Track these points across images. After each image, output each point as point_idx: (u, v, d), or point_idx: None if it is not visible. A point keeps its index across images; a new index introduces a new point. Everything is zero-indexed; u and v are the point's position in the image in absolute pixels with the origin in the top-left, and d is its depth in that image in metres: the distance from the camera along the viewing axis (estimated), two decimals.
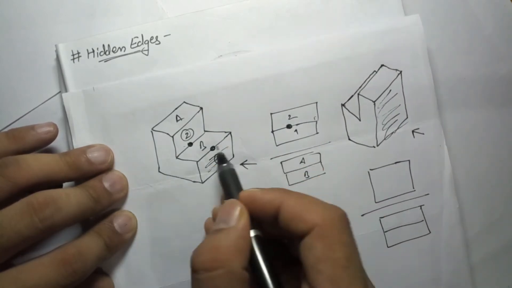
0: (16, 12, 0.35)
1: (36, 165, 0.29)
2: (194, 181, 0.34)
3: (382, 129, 0.35)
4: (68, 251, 0.28)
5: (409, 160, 0.35)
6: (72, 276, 0.28)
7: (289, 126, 0.34)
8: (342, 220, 0.24)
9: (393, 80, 0.35)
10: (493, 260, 0.37)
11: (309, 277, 0.23)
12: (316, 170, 0.34)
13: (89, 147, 0.32)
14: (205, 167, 0.34)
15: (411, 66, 0.35)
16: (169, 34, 0.34)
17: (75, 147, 0.32)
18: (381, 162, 0.35)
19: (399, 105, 0.35)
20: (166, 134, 0.33)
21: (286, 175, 0.34)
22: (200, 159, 0.34)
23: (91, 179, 0.31)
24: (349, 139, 0.35)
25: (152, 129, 0.33)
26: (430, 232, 0.35)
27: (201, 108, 0.33)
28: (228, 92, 0.33)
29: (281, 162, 0.34)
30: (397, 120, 0.35)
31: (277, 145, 0.34)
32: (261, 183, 0.34)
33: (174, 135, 0.33)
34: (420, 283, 0.35)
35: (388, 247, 0.35)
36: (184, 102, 0.33)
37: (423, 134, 0.35)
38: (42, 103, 0.34)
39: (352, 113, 0.35)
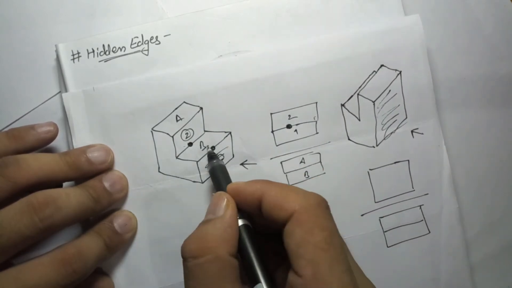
0: (16, 12, 0.35)
1: (36, 164, 0.29)
2: (194, 181, 0.34)
3: (382, 129, 0.35)
4: (68, 251, 0.28)
5: (408, 160, 0.35)
6: (72, 276, 0.28)
7: (289, 126, 0.34)
8: (320, 206, 0.25)
9: (393, 80, 0.35)
10: (493, 260, 0.37)
11: (292, 263, 0.23)
12: (316, 170, 0.34)
13: (89, 147, 0.32)
14: (205, 167, 0.34)
15: (411, 66, 0.35)
16: (169, 34, 0.34)
17: (75, 147, 0.32)
18: (381, 162, 0.35)
19: (399, 105, 0.35)
20: (166, 134, 0.33)
21: (286, 175, 0.34)
22: (200, 159, 0.34)
23: (91, 179, 0.31)
24: (349, 139, 0.35)
25: (152, 129, 0.33)
26: (429, 232, 0.35)
27: (201, 108, 0.33)
28: (228, 92, 0.33)
29: (281, 162, 0.34)
30: (396, 120, 0.35)
31: (277, 145, 0.34)
32: None
33: (174, 135, 0.33)
34: (420, 283, 0.35)
35: (388, 247, 0.35)
36: (184, 102, 0.33)
37: (422, 134, 0.35)
38: (42, 103, 0.34)
39: (351, 113, 0.35)
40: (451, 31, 0.37)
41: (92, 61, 0.33)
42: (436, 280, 0.35)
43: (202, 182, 0.34)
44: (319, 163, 0.34)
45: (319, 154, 0.34)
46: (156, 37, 0.34)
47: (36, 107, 0.34)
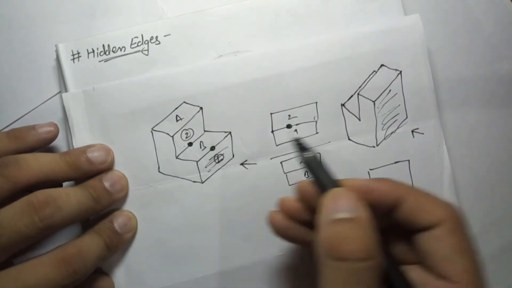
0: (16, 12, 0.35)
1: (36, 164, 0.29)
2: (194, 181, 0.34)
3: (382, 129, 0.35)
4: (68, 251, 0.28)
5: (408, 160, 0.35)
6: (72, 275, 0.28)
7: (289, 126, 0.34)
8: (464, 217, 0.26)
9: (393, 80, 0.35)
10: (493, 260, 0.37)
11: (440, 267, 0.24)
12: None
13: (89, 146, 0.32)
14: (205, 167, 0.34)
15: (411, 66, 0.35)
16: (169, 34, 0.34)
17: (75, 147, 0.32)
18: (381, 162, 0.35)
19: (399, 105, 0.35)
20: (166, 134, 0.33)
21: (286, 175, 0.34)
22: (200, 159, 0.34)
23: (91, 179, 0.31)
24: (349, 139, 0.35)
25: (152, 129, 0.33)
26: None
27: (201, 108, 0.33)
28: (228, 92, 0.33)
29: (281, 162, 0.34)
30: (396, 120, 0.35)
31: (277, 145, 0.34)
32: (261, 183, 0.34)
33: (174, 135, 0.33)
34: None
35: None
36: (184, 102, 0.33)
37: (422, 134, 0.35)
38: (42, 103, 0.34)
39: (352, 113, 0.35)
40: (451, 31, 0.37)
41: (92, 61, 0.33)
42: None
43: (202, 182, 0.34)
44: None
45: (319, 154, 0.34)
46: (156, 37, 0.34)
47: (36, 107, 0.34)
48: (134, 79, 0.33)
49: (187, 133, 0.33)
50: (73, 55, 0.33)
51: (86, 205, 0.30)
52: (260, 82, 0.34)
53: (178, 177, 0.33)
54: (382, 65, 0.34)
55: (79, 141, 0.33)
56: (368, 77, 0.34)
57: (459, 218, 0.25)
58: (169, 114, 0.33)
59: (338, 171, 0.34)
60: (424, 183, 0.35)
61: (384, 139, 0.35)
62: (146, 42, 0.34)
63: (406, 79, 0.35)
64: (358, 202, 0.24)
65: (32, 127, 0.32)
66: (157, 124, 0.33)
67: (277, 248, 0.34)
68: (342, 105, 0.34)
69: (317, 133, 0.34)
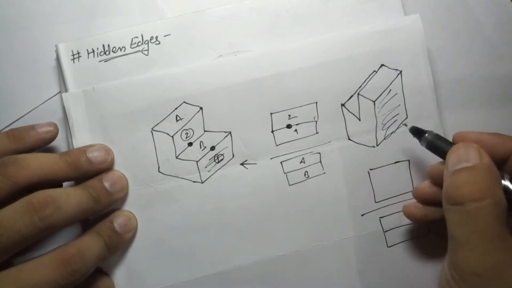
0: (16, 12, 0.35)
1: (36, 164, 0.29)
2: (194, 181, 0.34)
3: (382, 129, 0.35)
4: (68, 251, 0.28)
5: (408, 160, 0.35)
6: (72, 275, 0.28)
7: (289, 126, 0.34)
8: None
9: (393, 80, 0.35)
10: None
11: None
12: (316, 170, 0.34)
13: (89, 146, 0.32)
14: (205, 167, 0.34)
15: (411, 66, 0.35)
16: (169, 34, 0.34)
17: (75, 147, 0.32)
18: (381, 162, 0.35)
19: (399, 105, 0.35)
20: (166, 134, 0.33)
21: (286, 175, 0.34)
22: (200, 159, 0.34)
23: (91, 179, 0.32)
24: (349, 139, 0.35)
25: (152, 129, 0.33)
26: (429, 232, 0.35)
27: (201, 108, 0.33)
28: (228, 92, 0.33)
29: (281, 162, 0.34)
30: (396, 120, 0.35)
31: (277, 145, 0.34)
32: (261, 183, 0.34)
33: (174, 135, 0.33)
34: (420, 283, 0.35)
35: (388, 247, 0.35)
36: (184, 102, 0.33)
37: None
38: (42, 103, 0.34)
39: (352, 113, 0.35)
40: (451, 31, 0.37)
41: (92, 61, 0.33)
42: (437, 280, 0.35)
43: (202, 182, 0.34)
44: (319, 163, 0.34)
45: (319, 154, 0.34)
46: (156, 37, 0.34)
47: (36, 107, 0.34)
48: (134, 79, 0.33)
49: (187, 133, 0.33)
50: (73, 55, 0.33)
51: (86, 205, 0.30)
52: (260, 82, 0.34)
53: (178, 177, 0.33)
54: (382, 65, 0.34)
55: (79, 141, 0.33)
56: (368, 77, 0.34)
57: None
58: (169, 114, 0.33)
59: (338, 171, 0.35)
60: None
61: (384, 139, 0.35)
62: (146, 42, 0.34)
63: (406, 79, 0.35)
64: (476, 151, 0.26)
65: (32, 127, 0.32)
66: (157, 124, 0.33)
67: (277, 248, 0.34)
68: (342, 105, 0.34)
69: (317, 133, 0.34)
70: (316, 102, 0.34)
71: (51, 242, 0.32)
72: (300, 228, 0.34)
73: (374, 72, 0.34)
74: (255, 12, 0.34)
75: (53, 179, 0.30)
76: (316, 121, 0.34)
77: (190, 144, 0.34)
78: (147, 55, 0.34)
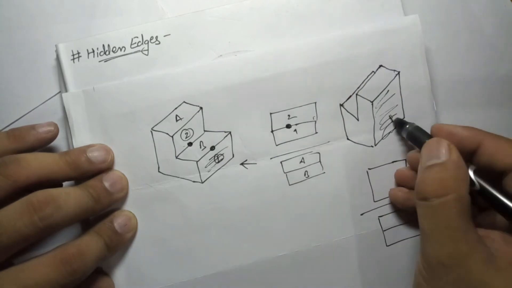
0: (16, 12, 0.35)
1: (36, 164, 0.29)
2: (194, 181, 0.34)
3: (380, 129, 0.35)
4: (68, 251, 0.28)
5: (405, 160, 0.35)
6: (72, 275, 0.28)
7: (288, 126, 0.34)
8: None
9: (391, 81, 0.35)
10: None
11: None
12: (315, 170, 0.35)
13: (89, 146, 0.32)
14: (205, 167, 0.34)
15: (409, 66, 0.35)
16: (169, 34, 0.34)
17: (75, 147, 0.33)
18: (379, 162, 0.35)
19: (397, 105, 0.35)
20: (166, 134, 0.33)
21: (286, 174, 0.34)
22: (200, 159, 0.34)
23: (91, 179, 0.32)
24: (348, 139, 0.35)
25: (151, 129, 0.33)
26: None
27: (201, 108, 0.33)
28: (228, 92, 0.33)
29: (281, 162, 0.34)
30: None
31: (277, 145, 0.34)
32: (261, 183, 0.34)
33: (173, 135, 0.33)
34: None
35: (387, 246, 0.35)
36: (184, 102, 0.33)
37: None
38: (42, 103, 0.34)
39: (350, 113, 0.35)
40: (451, 31, 0.37)
41: (92, 61, 0.33)
42: None
43: (202, 182, 0.34)
44: (319, 162, 0.35)
45: (318, 154, 0.35)
46: (156, 37, 0.34)
47: (36, 107, 0.34)
48: (134, 79, 0.33)
49: (187, 133, 0.34)
50: (73, 55, 0.33)
51: (86, 205, 0.30)
52: (260, 82, 0.34)
53: (178, 177, 0.34)
54: (380, 66, 0.34)
55: (79, 141, 0.33)
56: (367, 77, 0.34)
57: None
58: (169, 114, 0.33)
59: (337, 170, 0.35)
60: None
61: (382, 139, 0.35)
62: (146, 42, 0.34)
63: (404, 80, 0.35)
64: (447, 147, 0.28)
65: (32, 127, 0.32)
66: (157, 124, 0.33)
67: (277, 248, 0.34)
68: (341, 105, 0.35)
69: (316, 133, 0.35)
70: (315, 102, 0.34)
71: (51, 242, 0.32)
72: (300, 228, 0.34)
73: (373, 73, 0.34)
74: (255, 12, 0.34)
75: (53, 178, 0.30)
76: (316, 121, 0.34)
77: (190, 144, 0.34)
78: (147, 55, 0.34)
